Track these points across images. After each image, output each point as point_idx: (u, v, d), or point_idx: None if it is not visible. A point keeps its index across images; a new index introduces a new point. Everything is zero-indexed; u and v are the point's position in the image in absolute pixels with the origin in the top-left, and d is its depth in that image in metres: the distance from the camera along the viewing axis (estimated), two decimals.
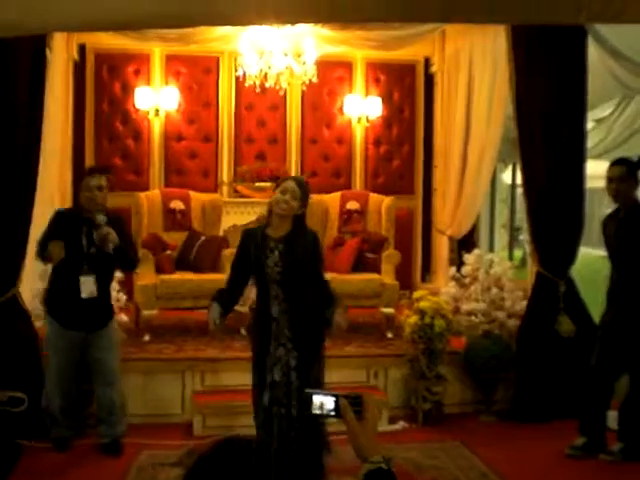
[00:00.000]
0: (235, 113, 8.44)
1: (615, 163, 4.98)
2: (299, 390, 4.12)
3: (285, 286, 4.15)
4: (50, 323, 4.95)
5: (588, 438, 5.00)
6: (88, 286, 4.81)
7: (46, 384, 5.02)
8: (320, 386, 4.31)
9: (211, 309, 4.22)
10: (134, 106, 8.16)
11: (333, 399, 1.75)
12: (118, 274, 5.84)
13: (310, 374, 4.22)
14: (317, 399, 1.76)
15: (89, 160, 8.04)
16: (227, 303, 4.28)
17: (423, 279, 8.65)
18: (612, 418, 5.06)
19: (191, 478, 1.46)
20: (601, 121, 7.84)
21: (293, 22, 5.84)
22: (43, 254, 4.78)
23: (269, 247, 4.15)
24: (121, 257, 4.89)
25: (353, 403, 1.75)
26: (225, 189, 8.36)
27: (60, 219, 4.93)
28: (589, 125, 6.65)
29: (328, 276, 4.53)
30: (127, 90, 8.19)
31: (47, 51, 5.34)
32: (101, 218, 4.75)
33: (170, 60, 8.27)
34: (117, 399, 5.06)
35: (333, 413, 1.75)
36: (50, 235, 4.80)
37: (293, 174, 8.19)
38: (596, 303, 5.46)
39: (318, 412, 1.77)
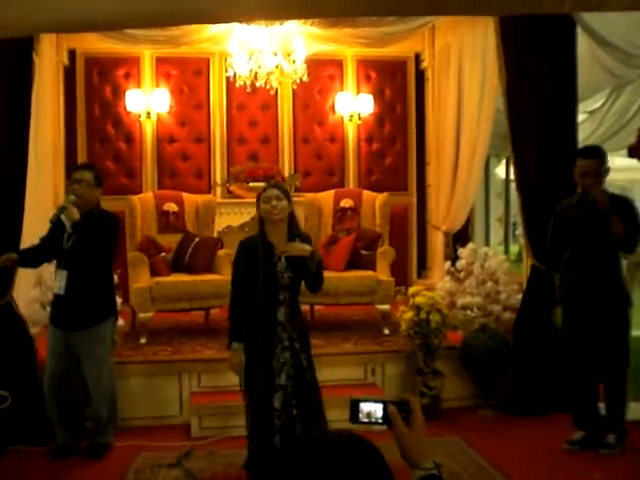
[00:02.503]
0: (226, 114, 8.46)
1: (588, 156, 4.83)
2: (310, 389, 4.15)
3: (292, 290, 4.16)
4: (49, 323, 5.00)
5: (586, 432, 4.97)
6: (59, 281, 4.80)
7: (43, 391, 4.94)
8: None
9: (235, 355, 4.18)
10: (125, 109, 8.17)
11: (381, 406, 1.68)
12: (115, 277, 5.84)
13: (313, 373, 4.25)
14: (365, 407, 1.69)
15: None
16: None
17: (419, 275, 8.64)
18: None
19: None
20: (593, 113, 7.84)
21: (279, 18, 5.83)
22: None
23: (275, 254, 4.14)
24: (81, 235, 4.64)
25: (400, 409, 1.68)
26: (218, 190, 8.36)
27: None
28: (580, 117, 6.63)
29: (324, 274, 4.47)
30: (118, 93, 8.21)
31: (34, 55, 5.33)
32: (71, 198, 4.70)
33: (160, 62, 8.28)
34: (102, 411, 4.95)
35: (381, 421, 1.68)
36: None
37: (286, 174, 8.28)
38: None
39: (365, 420, 1.69)
